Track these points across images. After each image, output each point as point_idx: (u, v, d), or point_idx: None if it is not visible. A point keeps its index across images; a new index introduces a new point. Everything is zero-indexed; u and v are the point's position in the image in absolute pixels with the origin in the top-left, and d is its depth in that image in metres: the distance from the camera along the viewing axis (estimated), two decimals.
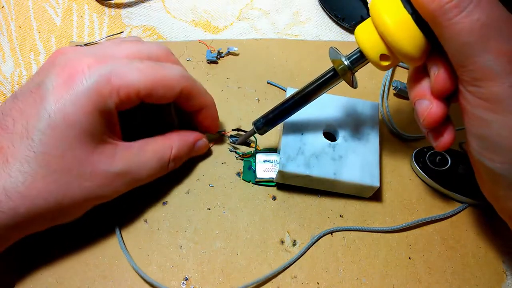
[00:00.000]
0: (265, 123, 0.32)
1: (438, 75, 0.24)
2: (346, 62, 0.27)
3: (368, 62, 0.27)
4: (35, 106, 0.25)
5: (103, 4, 0.43)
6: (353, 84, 0.28)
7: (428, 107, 0.25)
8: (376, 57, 0.25)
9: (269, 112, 0.32)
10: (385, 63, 0.26)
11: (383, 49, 0.25)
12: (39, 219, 0.26)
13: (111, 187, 0.28)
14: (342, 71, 0.28)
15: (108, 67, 0.26)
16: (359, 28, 0.26)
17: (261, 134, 0.32)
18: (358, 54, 0.27)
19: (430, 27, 0.23)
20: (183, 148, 0.32)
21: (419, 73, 0.27)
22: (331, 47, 0.28)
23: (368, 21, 0.26)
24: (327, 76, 0.29)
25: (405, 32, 0.23)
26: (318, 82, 0.29)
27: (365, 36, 0.25)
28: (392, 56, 0.25)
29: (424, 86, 0.26)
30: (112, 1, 0.43)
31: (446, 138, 0.26)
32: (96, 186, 0.27)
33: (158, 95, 0.28)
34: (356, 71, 0.28)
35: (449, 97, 0.25)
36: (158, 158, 0.30)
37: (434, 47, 0.24)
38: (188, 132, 0.33)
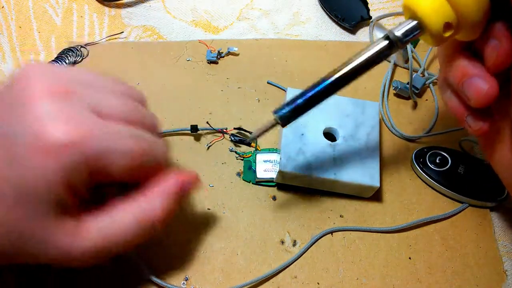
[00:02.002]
0: (292, 112, 0.26)
1: (501, 48, 0.22)
2: (398, 34, 0.24)
3: (421, 35, 0.24)
4: (1, 163, 0.21)
5: (103, 4, 0.43)
6: (404, 58, 0.26)
7: (484, 85, 0.24)
8: (440, 26, 0.23)
9: (295, 98, 0.26)
10: (448, 34, 0.23)
11: (449, 16, 0.22)
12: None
13: (79, 262, 0.24)
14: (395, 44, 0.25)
15: (92, 148, 0.22)
16: None
17: (284, 126, 0.27)
18: (413, 24, 0.24)
19: None
20: (168, 200, 0.26)
21: (462, 52, 0.25)
22: (374, 25, 0.26)
23: None
24: (379, 48, 0.25)
25: None
26: (366, 56, 0.25)
27: (427, 2, 0.23)
28: (456, 25, 0.23)
29: (474, 64, 0.25)
30: (112, 1, 0.43)
31: (488, 121, 0.25)
32: (58, 260, 0.23)
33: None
34: (405, 46, 0.25)
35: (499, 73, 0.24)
36: (138, 224, 0.25)
37: (494, 17, 0.23)
38: (168, 175, 0.26)
